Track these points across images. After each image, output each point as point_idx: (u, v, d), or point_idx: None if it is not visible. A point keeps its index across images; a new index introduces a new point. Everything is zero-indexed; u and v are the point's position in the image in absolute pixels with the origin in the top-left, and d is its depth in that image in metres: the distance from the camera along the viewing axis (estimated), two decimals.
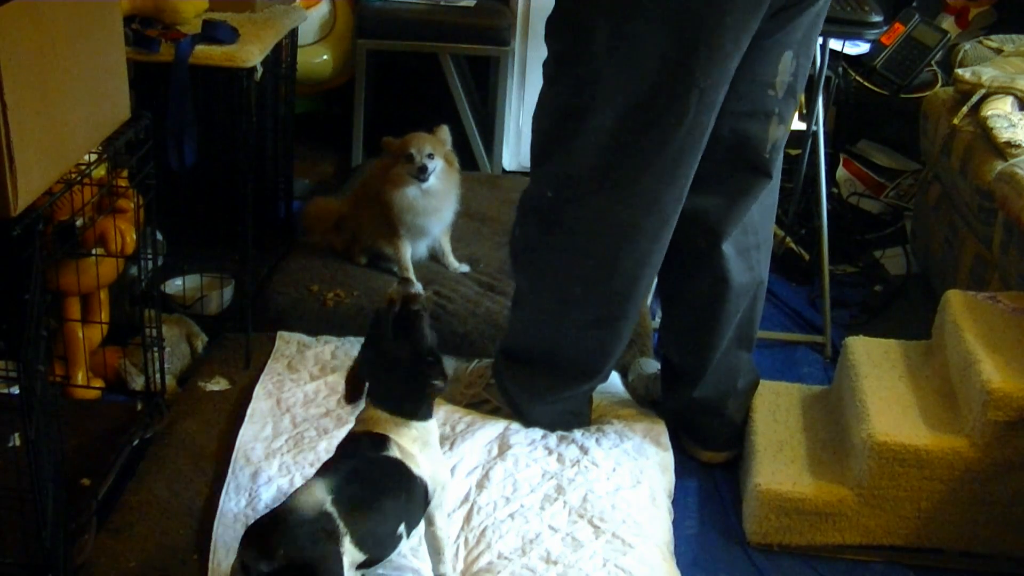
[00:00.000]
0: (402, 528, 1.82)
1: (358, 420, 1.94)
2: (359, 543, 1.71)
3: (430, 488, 1.89)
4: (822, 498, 2.16)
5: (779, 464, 2.26)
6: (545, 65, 2.16)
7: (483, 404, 2.52)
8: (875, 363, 2.37)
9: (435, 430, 1.96)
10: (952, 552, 2.19)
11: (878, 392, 2.25)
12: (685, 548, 2.20)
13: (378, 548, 1.78)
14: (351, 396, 1.96)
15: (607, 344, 2.32)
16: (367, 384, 1.94)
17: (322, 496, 1.72)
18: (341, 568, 1.68)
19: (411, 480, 1.85)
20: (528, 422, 2.43)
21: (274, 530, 1.66)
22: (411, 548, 2.02)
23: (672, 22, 1.95)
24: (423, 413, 1.92)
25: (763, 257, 2.38)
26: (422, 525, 1.94)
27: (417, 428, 1.90)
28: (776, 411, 2.47)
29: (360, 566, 1.76)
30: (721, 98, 2.06)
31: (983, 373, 2.08)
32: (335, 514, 1.70)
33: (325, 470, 1.84)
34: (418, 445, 1.89)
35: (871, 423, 2.14)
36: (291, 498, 1.76)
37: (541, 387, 2.40)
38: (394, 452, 1.86)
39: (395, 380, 1.90)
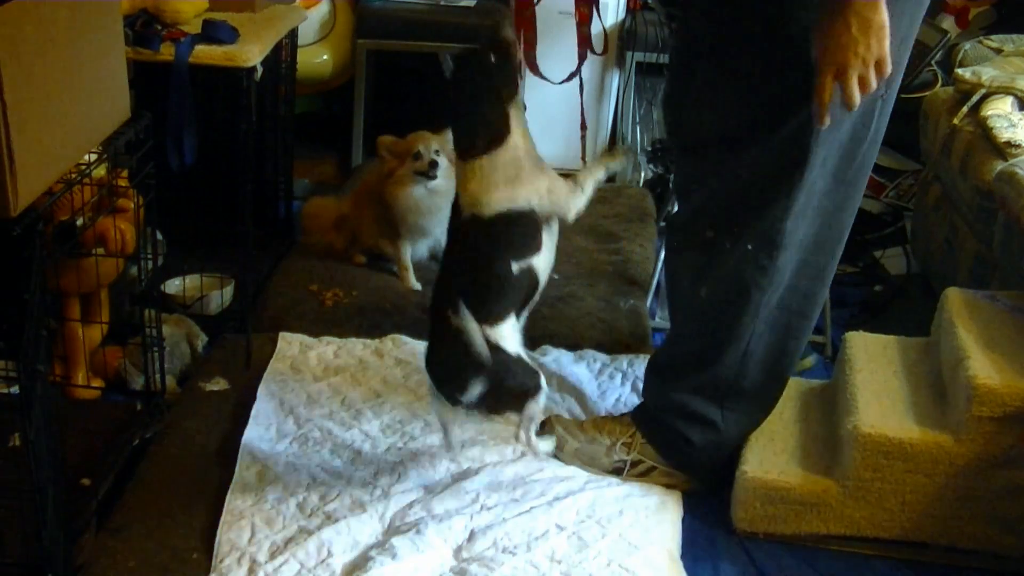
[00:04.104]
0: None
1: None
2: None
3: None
4: (807, 488, 2.16)
5: (768, 453, 2.26)
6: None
7: (638, 464, 2.29)
8: (872, 357, 2.37)
9: (520, 146, 2.09)
10: (937, 546, 2.18)
11: (870, 386, 2.26)
12: None
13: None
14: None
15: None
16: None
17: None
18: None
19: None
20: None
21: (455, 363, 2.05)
22: (436, 526, 2.02)
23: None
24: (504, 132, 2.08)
25: None
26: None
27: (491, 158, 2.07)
28: None
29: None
30: None
31: (970, 369, 2.08)
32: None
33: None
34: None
35: (858, 415, 2.14)
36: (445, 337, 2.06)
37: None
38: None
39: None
